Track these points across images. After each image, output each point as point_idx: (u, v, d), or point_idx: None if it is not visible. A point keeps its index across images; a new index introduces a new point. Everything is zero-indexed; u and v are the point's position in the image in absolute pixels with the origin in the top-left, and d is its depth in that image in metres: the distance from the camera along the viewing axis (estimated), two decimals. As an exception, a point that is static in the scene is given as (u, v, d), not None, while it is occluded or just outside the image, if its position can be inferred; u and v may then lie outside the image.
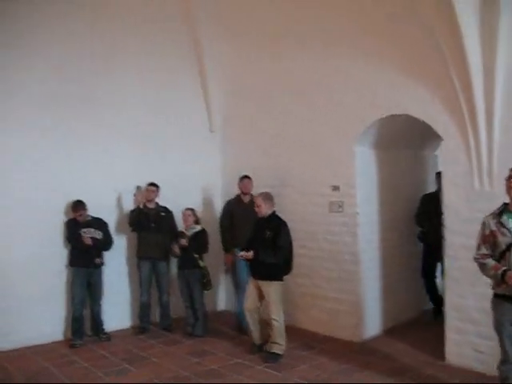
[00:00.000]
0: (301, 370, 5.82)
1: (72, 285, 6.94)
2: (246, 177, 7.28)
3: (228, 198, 7.61)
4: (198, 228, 7.14)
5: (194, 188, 8.19)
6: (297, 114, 7.28)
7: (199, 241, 7.06)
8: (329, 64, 6.77)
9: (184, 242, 6.95)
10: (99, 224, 7.07)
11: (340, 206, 6.75)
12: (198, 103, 8.36)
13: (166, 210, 7.51)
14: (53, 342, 6.84)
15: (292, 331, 7.01)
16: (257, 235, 6.17)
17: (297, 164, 7.30)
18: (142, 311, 7.37)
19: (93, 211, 7.08)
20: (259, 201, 6.15)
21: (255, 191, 7.15)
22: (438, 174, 6.88)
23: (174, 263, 7.42)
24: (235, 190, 7.48)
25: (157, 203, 7.49)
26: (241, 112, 8.18)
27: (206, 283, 7.03)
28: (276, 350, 6.07)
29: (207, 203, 8.37)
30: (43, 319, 6.84)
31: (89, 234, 6.87)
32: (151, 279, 7.41)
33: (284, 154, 7.48)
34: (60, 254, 7.03)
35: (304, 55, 7.03)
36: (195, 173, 8.21)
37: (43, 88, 6.91)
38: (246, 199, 7.20)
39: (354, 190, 6.62)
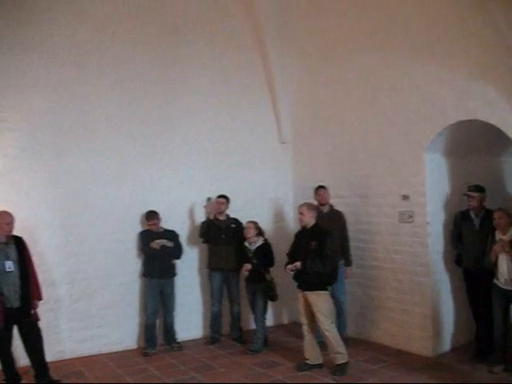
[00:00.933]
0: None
1: (145, 295, 7.17)
2: (322, 187, 7.12)
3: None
4: (261, 241, 7.10)
5: (265, 199, 8.26)
6: (366, 124, 7.18)
7: (263, 255, 7.02)
8: (396, 71, 6.65)
9: (249, 267, 6.94)
10: (171, 235, 7.24)
11: (410, 216, 6.55)
12: (268, 115, 8.45)
13: (236, 221, 7.57)
14: (127, 350, 7.09)
15: (363, 344, 6.99)
16: (300, 247, 6.11)
17: (367, 174, 7.16)
18: (213, 322, 7.47)
19: (166, 223, 7.30)
20: (303, 209, 6.12)
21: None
22: (472, 188, 6.29)
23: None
24: (306, 201, 7.44)
25: (227, 215, 7.58)
26: (310, 122, 8.16)
27: (272, 296, 6.99)
28: (340, 360, 5.95)
29: (278, 214, 8.40)
30: (119, 327, 7.14)
31: (159, 244, 7.05)
32: (222, 290, 7.49)
33: (354, 164, 7.37)
34: (135, 264, 7.30)
35: (371, 63, 6.95)
36: (266, 184, 8.29)
37: (118, 104, 7.29)
38: (325, 210, 7.03)
39: (425, 199, 6.41)
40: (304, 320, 6.16)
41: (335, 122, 7.70)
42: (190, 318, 7.58)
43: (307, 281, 6.00)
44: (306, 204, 6.26)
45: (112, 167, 7.20)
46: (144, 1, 7.48)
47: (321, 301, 5.95)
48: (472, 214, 6.30)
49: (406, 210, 6.60)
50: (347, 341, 6.81)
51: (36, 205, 6.71)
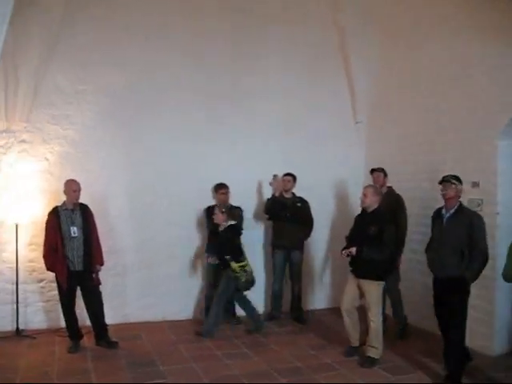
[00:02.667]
0: (416, 377, 5.49)
1: (207, 269, 7.33)
2: (375, 170, 6.92)
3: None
4: (228, 224, 6.83)
5: (335, 179, 8.11)
6: (439, 107, 6.84)
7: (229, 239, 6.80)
8: (467, 53, 6.30)
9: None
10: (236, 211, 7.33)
11: (479, 205, 6.15)
12: (343, 94, 8.25)
13: (301, 200, 7.51)
14: (187, 320, 7.34)
15: (421, 335, 6.79)
16: (359, 231, 5.90)
17: (439, 158, 6.81)
18: (274, 299, 7.53)
19: (233, 198, 7.40)
20: (367, 191, 5.87)
21: (397, 186, 6.88)
22: (448, 177, 5.30)
23: (307, 253, 7.44)
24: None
25: (293, 193, 7.54)
26: (385, 103, 7.92)
27: (237, 286, 6.79)
28: (372, 354, 5.78)
29: (347, 194, 8.21)
30: (181, 298, 7.42)
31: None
32: (284, 268, 7.51)
33: (427, 148, 7.06)
34: (200, 238, 7.53)
35: (444, 46, 6.64)
36: (337, 164, 8.12)
37: (191, 83, 7.46)
38: (382, 192, 6.75)
39: (496, 188, 6.01)
40: (348, 305, 5.96)
41: (409, 104, 7.42)
42: (251, 295, 7.63)
43: (363, 268, 5.80)
44: (372, 186, 6.05)
45: (182, 142, 7.41)
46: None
47: (375, 290, 5.77)
48: (443, 210, 5.38)
49: (474, 198, 6.21)
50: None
51: (109, 175, 7.09)
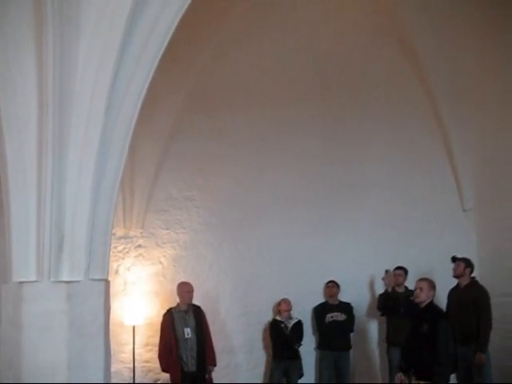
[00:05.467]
0: None
1: (320, 366, 7.20)
2: (457, 259, 6.67)
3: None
4: (296, 320, 7.08)
5: (446, 272, 7.73)
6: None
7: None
8: None
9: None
10: (345, 308, 7.27)
11: None
12: (448, 180, 8.03)
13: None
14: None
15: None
16: (413, 329, 5.46)
17: None
18: (392, 398, 7.14)
19: (344, 294, 7.35)
20: (423, 284, 5.43)
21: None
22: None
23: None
24: (496, 277, 6.91)
25: (406, 287, 7.29)
26: (498, 185, 7.48)
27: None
28: None
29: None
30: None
31: (333, 318, 7.13)
32: (401, 366, 7.16)
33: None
34: (311, 335, 7.41)
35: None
36: (447, 256, 7.77)
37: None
38: (462, 283, 6.56)
39: None
40: None
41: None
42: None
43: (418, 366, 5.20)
44: (427, 280, 5.58)
45: (290, 242, 7.50)
46: (322, 70, 7.71)
47: None
48: None
49: None
50: None
51: (218, 276, 7.28)
